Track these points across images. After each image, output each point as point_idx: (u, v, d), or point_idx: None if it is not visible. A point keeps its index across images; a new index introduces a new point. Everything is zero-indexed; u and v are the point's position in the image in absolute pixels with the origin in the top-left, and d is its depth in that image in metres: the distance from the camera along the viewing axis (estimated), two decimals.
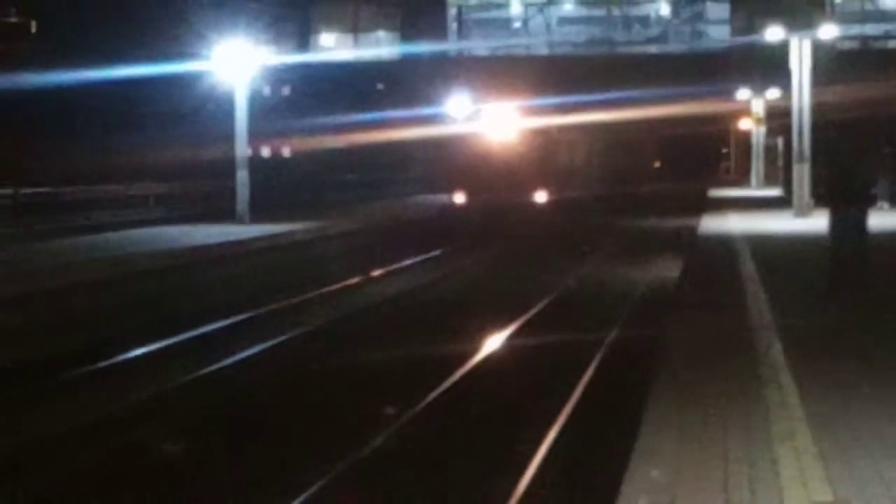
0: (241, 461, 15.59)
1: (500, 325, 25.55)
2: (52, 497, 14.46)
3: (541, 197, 50.24)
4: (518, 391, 19.40)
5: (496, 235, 45.50)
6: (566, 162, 58.99)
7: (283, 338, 24.96)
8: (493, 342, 23.84)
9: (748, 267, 27.89)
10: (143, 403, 19.03)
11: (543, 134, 52.64)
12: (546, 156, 53.04)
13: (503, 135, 49.26)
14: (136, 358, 22.90)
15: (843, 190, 22.16)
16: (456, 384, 19.77)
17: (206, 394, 20.03)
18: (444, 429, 16.75)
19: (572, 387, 18.97)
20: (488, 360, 22.25)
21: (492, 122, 48.70)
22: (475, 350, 22.66)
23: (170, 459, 16.15)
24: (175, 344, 24.19)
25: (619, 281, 34.88)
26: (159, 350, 23.61)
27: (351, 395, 19.40)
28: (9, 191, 36.61)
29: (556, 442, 15.63)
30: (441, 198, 54.29)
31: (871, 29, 64.48)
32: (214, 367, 21.87)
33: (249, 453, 16.00)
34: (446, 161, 51.57)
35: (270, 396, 19.73)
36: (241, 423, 17.86)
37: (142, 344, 23.65)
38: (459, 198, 49.40)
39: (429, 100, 58.85)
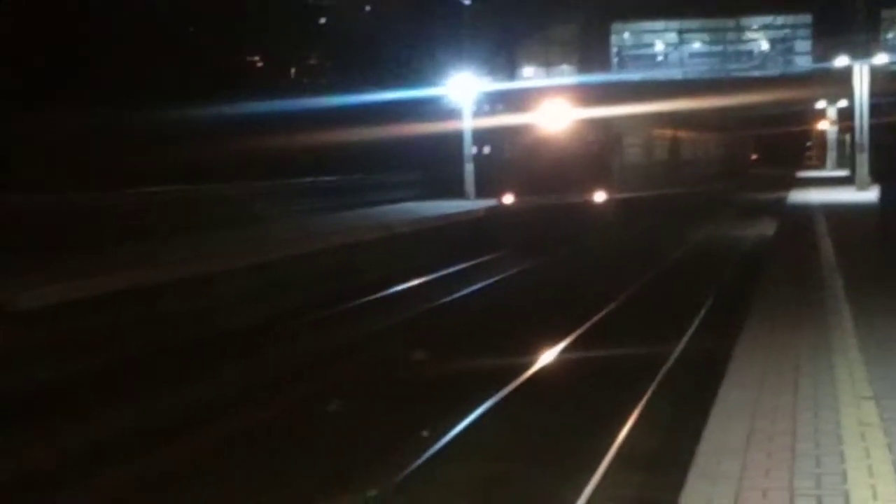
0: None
1: (668, 252, 28.86)
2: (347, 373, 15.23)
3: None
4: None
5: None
6: (693, 155, 58.17)
7: (501, 276, 25.76)
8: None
9: (821, 225, 27.25)
10: (400, 322, 19.56)
11: (679, 137, 51.40)
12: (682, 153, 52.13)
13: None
14: (397, 291, 23.28)
15: (888, 170, 21.60)
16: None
17: (444, 314, 20.35)
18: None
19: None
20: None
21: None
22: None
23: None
24: (424, 282, 24.55)
25: (735, 233, 35.68)
26: (414, 286, 24.00)
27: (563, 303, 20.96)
28: (309, 179, 37.00)
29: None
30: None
31: None
32: (447, 298, 22.17)
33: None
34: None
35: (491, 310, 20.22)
36: (473, 331, 18.20)
37: (402, 282, 24.07)
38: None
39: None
